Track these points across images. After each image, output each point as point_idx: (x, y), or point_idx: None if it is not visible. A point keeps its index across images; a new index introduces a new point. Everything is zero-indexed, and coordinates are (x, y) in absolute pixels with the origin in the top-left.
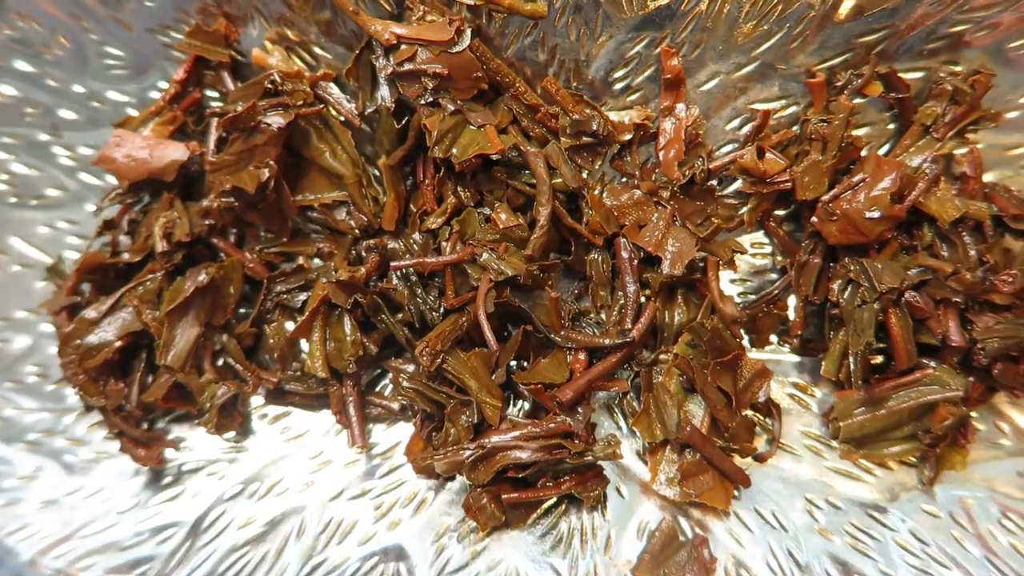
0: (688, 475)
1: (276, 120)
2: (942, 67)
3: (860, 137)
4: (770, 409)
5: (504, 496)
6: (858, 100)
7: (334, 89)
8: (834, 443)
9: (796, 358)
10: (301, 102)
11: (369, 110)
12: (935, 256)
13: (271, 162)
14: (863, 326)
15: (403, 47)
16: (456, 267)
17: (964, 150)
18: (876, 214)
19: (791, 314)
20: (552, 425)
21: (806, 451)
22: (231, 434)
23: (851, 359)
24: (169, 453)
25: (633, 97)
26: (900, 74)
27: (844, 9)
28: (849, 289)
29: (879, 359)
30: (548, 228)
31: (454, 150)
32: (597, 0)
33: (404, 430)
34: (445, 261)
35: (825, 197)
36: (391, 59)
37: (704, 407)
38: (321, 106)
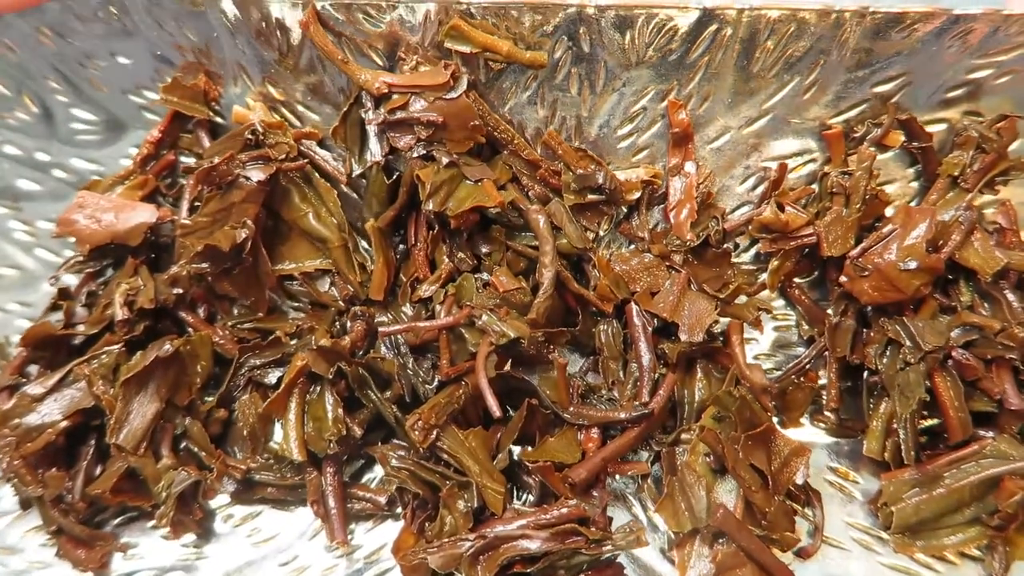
0: (723, 570)
1: (256, 174)
2: (964, 117)
3: (885, 190)
4: (808, 496)
5: None
6: (880, 156)
7: (319, 149)
8: (885, 535)
9: (830, 439)
10: (284, 155)
11: (357, 172)
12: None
13: (248, 221)
14: (911, 388)
15: (395, 96)
16: (452, 332)
17: (993, 208)
18: (912, 265)
19: (823, 393)
20: (565, 510)
21: (855, 545)
22: (190, 537)
23: (900, 429)
24: (115, 563)
25: (639, 156)
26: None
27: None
28: (888, 352)
29: (923, 439)
30: (552, 292)
31: (449, 204)
32: (599, 49)
33: (392, 529)
34: (440, 324)
35: (853, 252)
36: (382, 109)
37: (736, 490)
38: (305, 161)
